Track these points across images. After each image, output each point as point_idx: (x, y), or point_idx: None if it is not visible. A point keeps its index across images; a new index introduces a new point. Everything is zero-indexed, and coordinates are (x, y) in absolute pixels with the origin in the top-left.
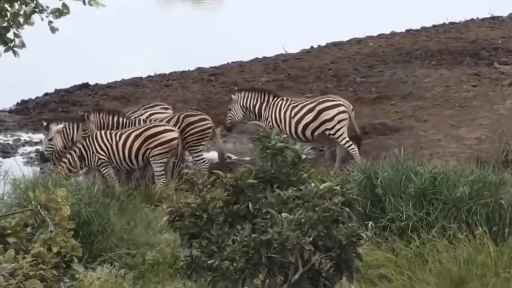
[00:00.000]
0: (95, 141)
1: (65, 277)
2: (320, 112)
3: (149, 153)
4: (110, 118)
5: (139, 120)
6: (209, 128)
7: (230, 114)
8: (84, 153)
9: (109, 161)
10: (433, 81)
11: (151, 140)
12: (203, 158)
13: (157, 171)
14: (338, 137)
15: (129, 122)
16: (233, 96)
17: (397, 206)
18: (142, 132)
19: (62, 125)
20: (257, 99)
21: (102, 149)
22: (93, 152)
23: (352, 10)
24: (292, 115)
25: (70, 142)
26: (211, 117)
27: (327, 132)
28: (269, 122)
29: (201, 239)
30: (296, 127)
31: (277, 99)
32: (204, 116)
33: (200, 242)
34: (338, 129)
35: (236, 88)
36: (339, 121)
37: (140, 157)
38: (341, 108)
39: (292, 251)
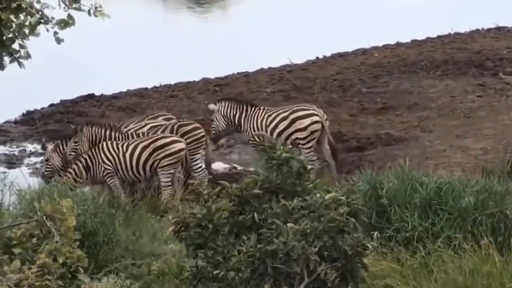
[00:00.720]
0: (101, 151)
1: None
2: (294, 120)
3: (157, 164)
4: (102, 132)
5: (132, 133)
6: (203, 136)
7: (213, 125)
8: (90, 163)
9: (115, 172)
10: (438, 91)
11: (159, 151)
12: (201, 166)
13: (164, 182)
14: (305, 147)
15: (121, 136)
16: (210, 106)
17: (402, 216)
18: (150, 143)
19: (53, 144)
20: (236, 109)
21: (108, 160)
22: (99, 163)
23: (358, 21)
24: (267, 123)
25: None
26: None
27: (297, 141)
28: (248, 133)
29: (207, 250)
30: (271, 135)
31: (254, 109)
32: (197, 125)
33: (206, 252)
34: (309, 140)
35: (218, 96)
36: (312, 132)
37: (147, 168)
38: (315, 118)
39: (297, 261)
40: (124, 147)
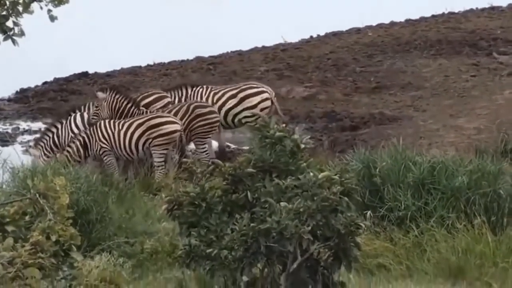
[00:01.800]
0: (98, 130)
1: (64, 266)
2: (243, 99)
3: (150, 143)
4: (124, 102)
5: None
6: (217, 121)
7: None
8: (88, 141)
9: (111, 150)
10: (432, 71)
11: (152, 130)
12: (207, 151)
13: (156, 162)
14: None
15: (138, 111)
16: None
17: (395, 195)
18: (144, 122)
19: (106, 94)
20: (175, 96)
21: (104, 138)
22: (95, 141)
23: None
24: (214, 101)
25: (114, 112)
26: None
27: (246, 119)
28: None
29: (200, 228)
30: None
31: (196, 88)
32: (213, 109)
33: (199, 231)
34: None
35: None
36: (262, 109)
37: (140, 147)
38: (264, 95)
39: (290, 240)
40: (120, 125)
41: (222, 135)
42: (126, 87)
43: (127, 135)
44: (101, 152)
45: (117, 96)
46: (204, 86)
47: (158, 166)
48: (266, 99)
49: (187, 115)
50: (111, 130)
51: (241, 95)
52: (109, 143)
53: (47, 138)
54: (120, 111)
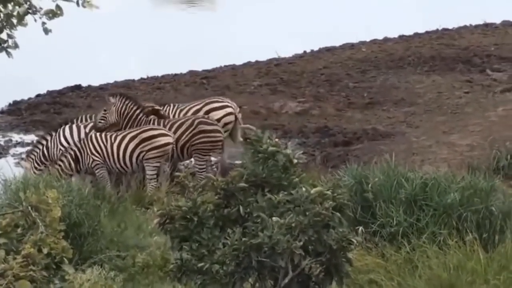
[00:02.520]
0: (89, 143)
1: (55, 279)
2: (208, 112)
3: (143, 156)
4: (133, 109)
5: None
6: (220, 140)
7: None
8: (79, 155)
9: (103, 163)
10: (426, 87)
11: (146, 143)
12: (204, 168)
13: (149, 174)
14: None
15: (145, 121)
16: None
17: (387, 211)
18: (137, 134)
19: (116, 99)
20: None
21: (97, 151)
22: (87, 154)
23: (345, 15)
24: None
25: (122, 118)
26: None
27: None
28: None
29: (192, 242)
30: None
31: (163, 106)
32: (218, 127)
33: (191, 245)
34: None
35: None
36: (225, 124)
37: (134, 160)
38: (228, 110)
39: (282, 255)
40: (113, 138)
41: (225, 154)
42: None
43: (121, 148)
44: (93, 165)
45: (127, 102)
46: (172, 104)
47: (151, 179)
48: (230, 113)
49: (190, 129)
50: (103, 143)
51: (205, 108)
52: (102, 157)
53: (38, 150)
54: (128, 117)
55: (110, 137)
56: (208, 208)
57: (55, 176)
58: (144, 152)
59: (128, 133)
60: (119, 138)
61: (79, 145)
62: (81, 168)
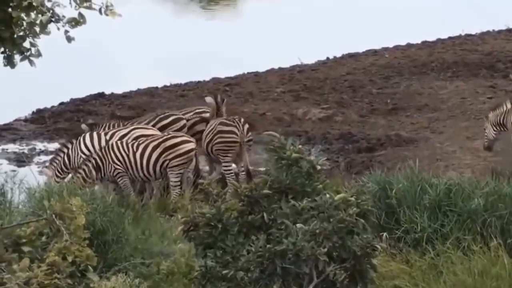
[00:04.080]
0: (111, 151)
1: (80, 286)
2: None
3: (167, 164)
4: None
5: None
6: (235, 142)
7: None
8: (100, 163)
9: (126, 172)
10: (449, 93)
11: (169, 152)
12: (231, 171)
13: (173, 182)
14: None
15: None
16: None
17: (411, 217)
18: (160, 143)
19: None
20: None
21: (118, 160)
22: (109, 163)
23: (368, 21)
24: None
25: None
26: None
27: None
28: None
29: (216, 249)
30: None
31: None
32: (234, 128)
33: (215, 252)
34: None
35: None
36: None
37: (158, 168)
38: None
39: (306, 261)
40: (135, 147)
41: (245, 157)
42: (143, 108)
43: (144, 157)
44: (115, 174)
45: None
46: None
47: (174, 187)
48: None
49: (213, 130)
50: (125, 152)
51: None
52: (124, 165)
53: (59, 158)
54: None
55: (132, 145)
56: (232, 215)
57: (77, 184)
58: (168, 161)
59: (151, 141)
60: (141, 147)
61: (100, 154)
62: (102, 176)
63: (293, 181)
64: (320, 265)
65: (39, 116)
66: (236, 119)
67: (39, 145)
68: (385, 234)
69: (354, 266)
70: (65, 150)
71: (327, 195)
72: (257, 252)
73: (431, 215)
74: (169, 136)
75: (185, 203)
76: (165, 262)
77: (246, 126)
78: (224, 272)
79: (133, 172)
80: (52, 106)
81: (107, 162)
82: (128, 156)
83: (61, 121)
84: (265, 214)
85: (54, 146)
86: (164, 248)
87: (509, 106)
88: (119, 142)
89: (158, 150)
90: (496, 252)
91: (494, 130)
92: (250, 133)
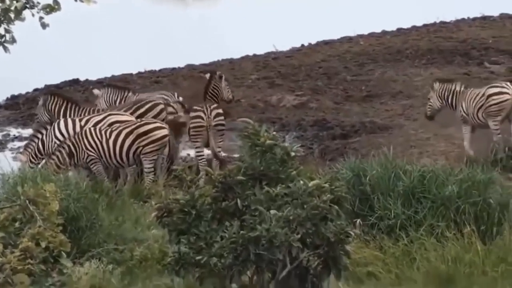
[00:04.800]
0: (84, 138)
1: (53, 272)
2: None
3: (140, 151)
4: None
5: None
6: (200, 127)
7: None
8: (74, 150)
9: (99, 158)
10: (423, 80)
11: (143, 138)
12: (202, 155)
13: (146, 168)
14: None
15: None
16: (95, 91)
17: (385, 204)
18: (133, 130)
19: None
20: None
21: (92, 146)
22: (82, 149)
23: (343, 9)
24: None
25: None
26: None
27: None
28: None
29: (189, 235)
30: None
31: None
32: (201, 114)
33: (188, 238)
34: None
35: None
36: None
37: (131, 154)
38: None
39: (280, 248)
40: (108, 134)
41: (213, 142)
42: None
43: (117, 143)
44: (88, 160)
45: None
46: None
47: (148, 173)
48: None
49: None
50: (98, 138)
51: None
52: (97, 152)
53: (34, 144)
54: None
55: (105, 132)
56: (206, 201)
57: (50, 170)
58: (141, 147)
59: (124, 128)
60: (114, 133)
61: (73, 140)
62: (76, 162)
63: (267, 168)
64: (294, 251)
65: (13, 102)
66: (207, 105)
67: (13, 131)
68: (358, 220)
69: (327, 252)
70: (39, 136)
71: (301, 182)
72: (231, 238)
73: (405, 202)
74: (142, 122)
75: (159, 189)
76: (138, 248)
77: (216, 111)
78: (198, 258)
79: (107, 158)
80: (27, 92)
81: (81, 149)
82: (101, 142)
83: (35, 107)
84: (239, 201)
85: (28, 132)
86: (138, 234)
87: (458, 88)
88: (92, 128)
89: (131, 137)
90: (470, 239)
91: (440, 103)
92: (219, 118)
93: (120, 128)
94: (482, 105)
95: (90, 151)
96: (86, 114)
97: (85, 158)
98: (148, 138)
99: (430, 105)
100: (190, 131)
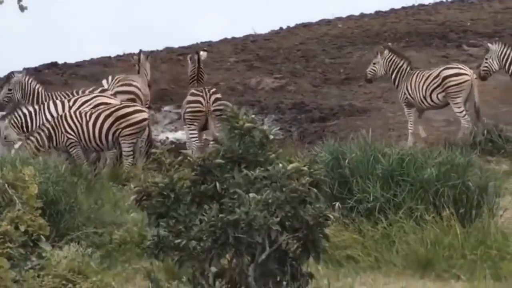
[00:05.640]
0: (64, 121)
1: (32, 256)
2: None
3: (119, 133)
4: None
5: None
6: (198, 112)
7: None
8: (53, 132)
9: (78, 141)
10: None
11: (121, 121)
12: (194, 139)
13: (125, 151)
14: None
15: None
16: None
17: (364, 187)
18: (112, 112)
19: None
20: None
21: (71, 129)
22: (62, 132)
23: None
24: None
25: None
26: (180, 97)
27: None
28: None
29: (169, 219)
30: None
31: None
32: (198, 98)
33: (168, 221)
34: None
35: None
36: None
37: (110, 137)
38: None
39: (259, 231)
40: (87, 116)
41: (212, 127)
42: (96, 77)
43: (96, 126)
44: (67, 144)
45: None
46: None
47: (127, 156)
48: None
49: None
50: (78, 121)
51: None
52: (76, 135)
53: (20, 115)
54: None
55: (85, 115)
56: (185, 184)
57: (28, 152)
58: (120, 130)
59: (103, 111)
60: (93, 116)
61: (52, 123)
62: (55, 146)
63: (245, 151)
64: (273, 234)
65: None
66: (206, 89)
67: None
68: (337, 203)
69: (306, 235)
70: (31, 111)
71: (280, 165)
72: (210, 222)
73: (383, 184)
74: (121, 105)
75: (137, 173)
76: (117, 231)
77: (215, 96)
78: (177, 241)
79: (86, 141)
80: (4, 76)
81: (60, 132)
82: (81, 125)
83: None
84: (217, 184)
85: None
86: (117, 217)
87: (405, 66)
88: (72, 111)
89: (110, 120)
90: (449, 222)
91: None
92: (219, 103)
93: (99, 110)
94: (437, 87)
95: (70, 133)
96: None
97: (65, 141)
98: (127, 121)
99: (374, 70)
100: (186, 114)
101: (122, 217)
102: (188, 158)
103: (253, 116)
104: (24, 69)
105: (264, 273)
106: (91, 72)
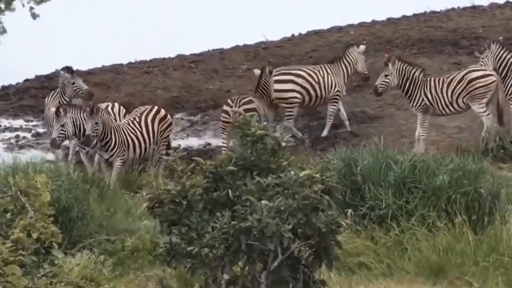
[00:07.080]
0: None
1: (45, 263)
2: None
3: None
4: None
5: None
6: (227, 122)
7: None
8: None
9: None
10: None
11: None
12: (224, 147)
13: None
14: None
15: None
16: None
17: (376, 194)
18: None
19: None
20: None
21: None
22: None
23: None
24: None
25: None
26: (191, 104)
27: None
28: None
29: (181, 226)
30: None
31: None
32: (227, 109)
33: (180, 229)
34: None
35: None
36: None
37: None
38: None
39: (271, 238)
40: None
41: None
42: (108, 84)
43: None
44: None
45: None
46: None
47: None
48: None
49: None
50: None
51: None
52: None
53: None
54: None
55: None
56: (197, 191)
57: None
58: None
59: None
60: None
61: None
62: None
63: (258, 158)
64: (285, 242)
65: (4, 93)
66: (237, 99)
67: (4, 122)
68: (350, 210)
69: (319, 243)
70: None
71: (292, 172)
72: (222, 229)
73: (396, 191)
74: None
75: (150, 180)
76: (130, 238)
77: (245, 106)
78: (189, 249)
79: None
80: (17, 83)
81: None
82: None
83: (26, 98)
84: (230, 191)
85: (19, 123)
86: (129, 225)
87: (418, 74)
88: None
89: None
90: (461, 229)
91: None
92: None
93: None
94: (462, 91)
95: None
96: None
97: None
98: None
99: (386, 82)
100: (220, 124)
101: (135, 224)
102: (200, 165)
103: (265, 123)
104: (37, 76)
105: (277, 281)
106: (102, 79)
